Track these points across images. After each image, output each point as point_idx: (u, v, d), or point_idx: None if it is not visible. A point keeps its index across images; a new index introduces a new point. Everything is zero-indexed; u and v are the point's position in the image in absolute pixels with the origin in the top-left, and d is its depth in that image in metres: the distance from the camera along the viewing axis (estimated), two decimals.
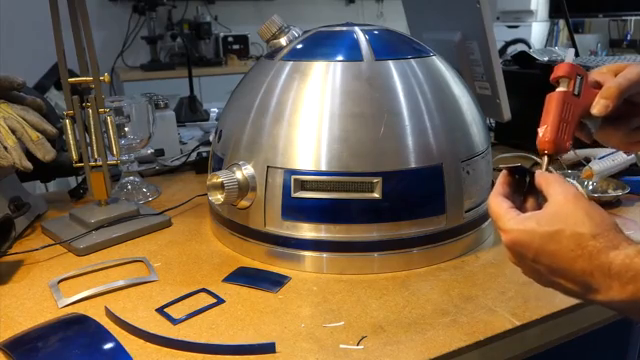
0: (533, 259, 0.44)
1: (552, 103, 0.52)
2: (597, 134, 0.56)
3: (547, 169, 0.52)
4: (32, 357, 0.50)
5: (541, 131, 0.52)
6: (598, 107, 0.52)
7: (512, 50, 1.63)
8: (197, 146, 1.19)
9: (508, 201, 0.47)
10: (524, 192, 0.50)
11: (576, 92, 0.52)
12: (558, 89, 0.53)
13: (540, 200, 0.48)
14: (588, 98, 0.53)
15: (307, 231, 0.65)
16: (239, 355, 0.51)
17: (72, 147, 0.76)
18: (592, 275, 0.41)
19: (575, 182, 0.88)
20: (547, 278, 0.44)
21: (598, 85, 0.53)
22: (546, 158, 0.52)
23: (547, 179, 0.47)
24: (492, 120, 1.22)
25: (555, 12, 3.31)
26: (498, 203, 0.47)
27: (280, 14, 0.75)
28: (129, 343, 0.53)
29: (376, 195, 0.63)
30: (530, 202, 0.49)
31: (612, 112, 0.52)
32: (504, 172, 0.50)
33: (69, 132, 0.75)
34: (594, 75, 0.54)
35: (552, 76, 0.54)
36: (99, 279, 0.66)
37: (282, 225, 0.66)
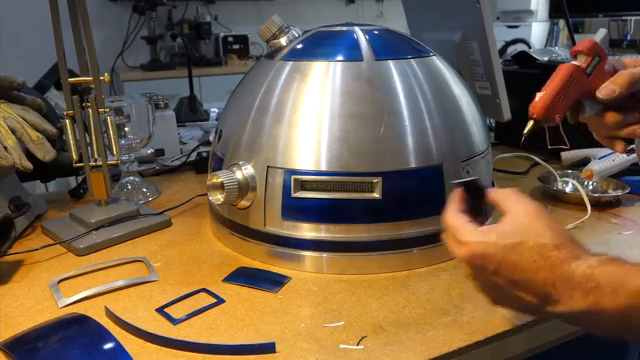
0: (494, 272, 0.43)
1: (559, 74, 0.53)
2: (590, 118, 0.55)
3: (528, 132, 0.53)
4: (32, 357, 0.50)
5: (538, 96, 0.53)
6: (605, 91, 0.52)
7: (512, 50, 1.62)
8: (197, 146, 1.19)
9: (465, 216, 0.47)
10: (476, 207, 0.49)
11: (588, 71, 0.52)
12: (572, 62, 0.53)
13: (489, 217, 0.47)
14: (598, 80, 0.52)
15: (307, 231, 0.65)
16: (239, 355, 0.51)
17: (72, 147, 0.76)
18: (554, 285, 0.41)
19: (576, 182, 0.88)
20: (506, 292, 0.44)
21: (614, 71, 0.53)
22: (531, 122, 0.53)
23: (503, 194, 0.47)
24: (492, 120, 1.22)
25: (555, 12, 3.32)
26: (456, 217, 0.47)
27: (280, 14, 0.75)
28: (129, 343, 0.53)
29: (376, 195, 0.63)
30: (482, 218, 0.49)
31: (615, 101, 0.52)
32: (458, 189, 0.50)
33: (69, 132, 0.75)
34: (614, 62, 0.54)
35: (572, 49, 0.54)
36: (99, 279, 0.66)
37: (282, 225, 0.66)
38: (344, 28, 0.74)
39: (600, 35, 0.57)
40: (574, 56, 0.54)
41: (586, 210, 0.81)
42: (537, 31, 3.52)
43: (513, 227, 0.44)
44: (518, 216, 0.44)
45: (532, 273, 0.42)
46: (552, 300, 0.42)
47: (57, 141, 0.80)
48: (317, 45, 0.73)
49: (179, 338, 0.53)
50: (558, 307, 0.41)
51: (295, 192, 0.65)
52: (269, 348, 0.51)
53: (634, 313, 0.39)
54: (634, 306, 0.39)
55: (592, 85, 0.52)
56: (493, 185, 0.79)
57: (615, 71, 0.53)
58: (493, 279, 0.44)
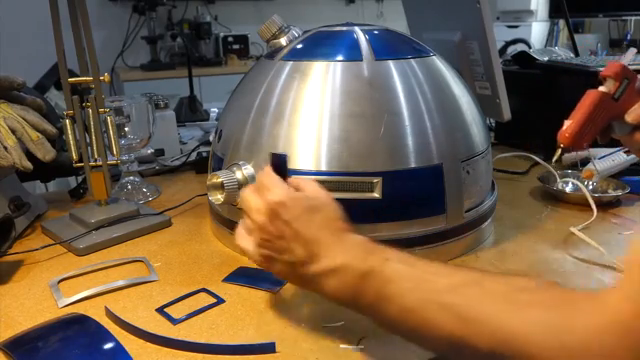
0: (286, 221, 0.49)
1: (587, 101, 0.52)
2: (622, 137, 0.55)
3: (556, 159, 0.56)
4: (32, 357, 0.50)
5: (566, 124, 0.53)
6: (633, 115, 0.52)
7: (512, 50, 1.62)
8: (197, 146, 1.19)
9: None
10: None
11: (616, 96, 0.52)
12: (600, 88, 0.52)
13: None
14: (628, 102, 0.52)
15: None
16: (239, 355, 0.51)
17: (72, 147, 0.76)
18: (328, 244, 0.48)
19: (578, 182, 0.88)
20: (284, 244, 0.49)
21: None
22: (559, 150, 0.53)
23: (304, 179, 0.54)
24: (492, 120, 1.22)
25: (555, 12, 3.31)
26: (271, 175, 0.53)
27: (280, 14, 0.75)
28: (129, 343, 0.53)
29: (376, 195, 0.63)
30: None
31: None
32: (271, 161, 0.56)
33: (69, 132, 0.75)
34: None
35: (601, 72, 0.53)
36: (99, 279, 0.66)
37: None
38: (344, 28, 0.74)
39: (629, 56, 0.56)
40: (602, 80, 0.53)
41: (586, 210, 0.81)
42: (537, 31, 3.52)
43: (315, 197, 0.52)
44: (318, 192, 0.52)
45: (315, 230, 0.48)
46: (316, 256, 0.47)
47: (57, 141, 0.80)
48: (317, 45, 0.73)
49: (179, 338, 0.53)
50: (315, 266, 0.47)
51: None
52: (269, 348, 0.51)
53: (383, 305, 0.43)
54: (383, 299, 0.43)
55: (621, 108, 0.52)
56: (493, 185, 0.79)
57: None
58: (281, 228, 0.49)
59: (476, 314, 0.37)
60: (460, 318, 0.38)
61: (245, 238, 0.53)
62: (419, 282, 0.42)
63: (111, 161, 0.80)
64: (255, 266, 0.68)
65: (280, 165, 0.55)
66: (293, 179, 0.54)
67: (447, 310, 0.38)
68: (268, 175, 0.53)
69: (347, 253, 0.47)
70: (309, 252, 0.48)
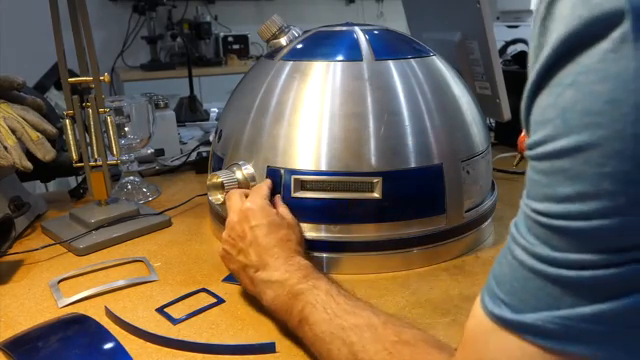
0: (252, 227, 0.57)
1: None
2: None
3: (517, 164, 0.62)
4: (32, 357, 0.50)
5: (524, 131, 0.54)
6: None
7: (512, 50, 1.62)
8: (197, 146, 1.19)
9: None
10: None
11: None
12: None
13: None
14: None
15: (307, 231, 0.65)
16: (239, 355, 0.51)
17: (72, 147, 0.76)
18: (277, 257, 0.54)
19: None
20: (245, 247, 0.56)
21: None
22: (518, 156, 0.56)
23: (279, 203, 0.63)
24: (492, 120, 1.22)
25: None
26: (262, 187, 0.63)
27: (280, 14, 0.75)
28: (129, 343, 0.53)
29: (376, 195, 0.63)
30: None
31: None
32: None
33: (69, 132, 0.75)
34: None
35: None
36: (99, 279, 0.66)
37: None
38: (344, 28, 0.74)
39: None
40: None
41: None
42: None
43: (283, 217, 0.60)
44: (287, 214, 0.61)
45: (272, 243, 0.56)
46: (264, 265, 0.54)
47: (57, 141, 0.80)
48: (317, 45, 0.73)
49: (179, 338, 0.53)
50: (262, 274, 0.54)
51: (295, 192, 0.65)
52: (269, 348, 0.51)
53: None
54: (304, 321, 0.49)
55: None
56: (493, 185, 0.79)
57: None
58: (245, 231, 0.57)
59: (363, 355, 0.43)
60: (353, 355, 0.43)
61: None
62: (333, 317, 0.47)
63: (111, 161, 0.80)
64: None
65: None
66: (276, 197, 0.64)
67: (346, 346, 0.44)
68: (259, 186, 0.63)
69: (287, 272, 0.52)
70: (260, 259, 0.55)
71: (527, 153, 0.30)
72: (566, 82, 0.27)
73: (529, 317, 0.30)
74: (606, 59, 0.26)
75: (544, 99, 0.29)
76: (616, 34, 0.25)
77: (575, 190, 0.27)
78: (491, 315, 0.32)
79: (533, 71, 0.30)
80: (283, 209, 0.62)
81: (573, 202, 0.27)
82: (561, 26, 0.27)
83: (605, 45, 0.26)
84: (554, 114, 0.28)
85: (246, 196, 0.62)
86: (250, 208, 0.58)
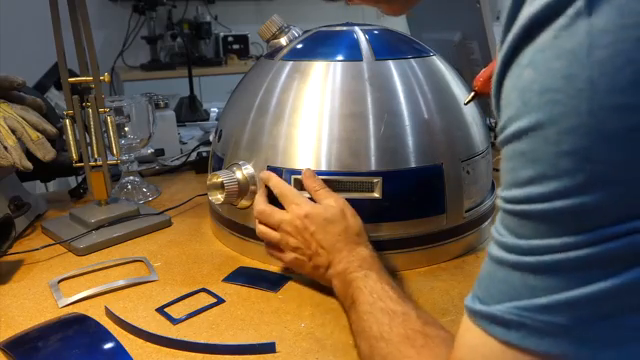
0: (313, 232, 0.58)
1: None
2: None
3: (467, 103, 0.65)
4: (32, 357, 0.50)
5: (481, 70, 0.60)
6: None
7: None
8: (197, 146, 1.19)
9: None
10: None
11: None
12: None
13: None
14: None
15: None
16: (239, 355, 0.51)
17: (72, 147, 0.76)
18: (340, 250, 0.56)
19: None
20: (310, 252, 0.58)
21: None
22: (472, 94, 0.63)
23: (320, 190, 0.62)
24: (492, 120, 1.22)
25: None
26: (290, 187, 0.63)
27: (280, 14, 0.75)
28: (129, 343, 0.53)
29: (376, 195, 0.63)
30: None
31: None
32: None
33: (69, 132, 0.75)
34: None
35: None
36: (99, 279, 0.66)
37: None
38: (344, 28, 0.74)
39: None
40: None
41: None
42: None
43: (334, 207, 0.59)
44: (337, 202, 0.60)
45: (332, 240, 0.57)
46: (331, 262, 0.57)
47: (57, 141, 0.80)
48: (317, 45, 0.73)
49: (179, 338, 0.53)
50: (331, 270, 0.56)
51: None
52: (269, 348, 0.51)
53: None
54: (354, 303, 0.51)
55: None
56: (493, 185, 0.79)
57: None
58: (308, 238, 0.58)
59: (386, 335, 0.45)
60: (380, 334, 0.45)
61: (275, 249, 0.63)
62: (377, 299, 0.49)
63: (111, 161, 0.80)
64: (255, 266, 0.69)
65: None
66: (318, 192, 0.62)
67: (377, 325, 0.46)
68: (290, 189, 0.62)
69: (348, 262, 0.55)
70: (328, 259, 0.57)
71: (496, 141, 0.30)
72: (524, 62, 0.27)
73: (493, 308, 0.29)
74: (561, 35, 0.25)
75: (507, 84, 0.29)
76: (571, 10, 0.25)
77: (536, 172, 0.26)
78: (466, 310, 0.32)
79: (498, 61, 0.29)
80: (328, 200, 0.60)
81: (534, 184, 0.27)
82: (523, 13, 0.27)
83: (561, 21, 0.25)
84: (515, 96, 0.27)
85: (283, 203, 0.61)
86: (303, 215, 0.59)
